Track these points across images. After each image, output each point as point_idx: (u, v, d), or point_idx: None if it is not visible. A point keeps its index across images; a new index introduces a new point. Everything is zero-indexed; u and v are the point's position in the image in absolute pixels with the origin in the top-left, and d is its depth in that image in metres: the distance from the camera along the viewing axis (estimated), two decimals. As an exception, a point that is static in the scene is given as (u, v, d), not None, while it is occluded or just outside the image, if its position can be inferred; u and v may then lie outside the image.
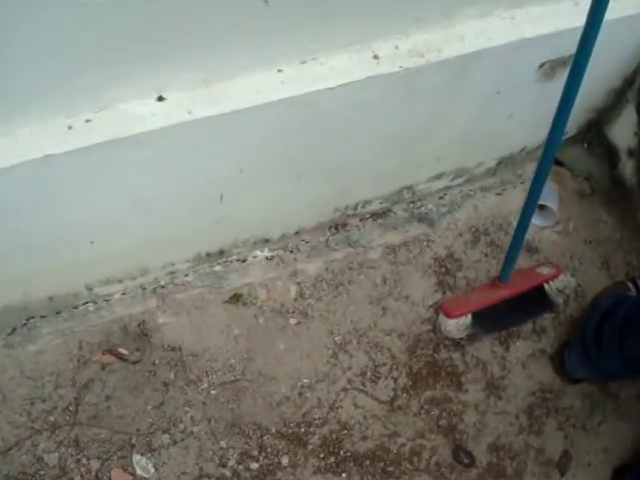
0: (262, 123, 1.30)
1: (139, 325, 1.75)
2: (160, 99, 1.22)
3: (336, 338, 1.77)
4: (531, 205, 1.51)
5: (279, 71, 1.27)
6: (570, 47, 1.18)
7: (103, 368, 1.71)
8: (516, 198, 1.98)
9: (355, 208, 1.79)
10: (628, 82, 1.75)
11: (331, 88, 1.27)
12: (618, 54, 1.63)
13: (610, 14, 1.42)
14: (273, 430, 1.67)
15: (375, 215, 1.88)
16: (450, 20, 1.36)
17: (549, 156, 1.37)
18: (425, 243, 1.91)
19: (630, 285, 1.84)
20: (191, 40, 1.12)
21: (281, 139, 1.36)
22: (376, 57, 1.31)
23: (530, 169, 1.97)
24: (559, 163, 2.06)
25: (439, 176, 1.82)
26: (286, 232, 1.77)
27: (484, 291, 1.79)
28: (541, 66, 1.52)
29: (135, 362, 1.72)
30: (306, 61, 1.29)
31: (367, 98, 1.34)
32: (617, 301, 1.71)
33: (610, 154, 1.91)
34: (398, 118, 1.46)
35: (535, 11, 1.43)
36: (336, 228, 1.85)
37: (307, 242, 1.84)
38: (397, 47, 1.33)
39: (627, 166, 1.86)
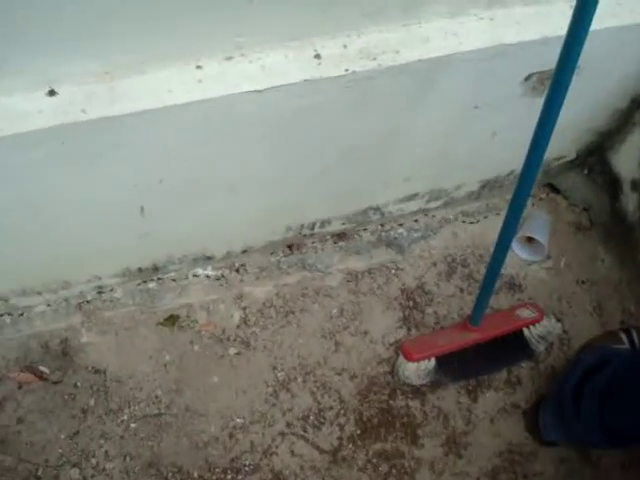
0: (174, 128, 1.08)
1: (61, 342, 1.56)
2: (51, 93, 1.02)
3: (279, 374, 1.55)
4: (506, 238, 1.29)
5: (198, 67, 1.06)
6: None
7: (20, 387, 1.53)
8: (502, 226, 1.74)
9: (312, 228, 1.57)
10: (636, 103, 1.51)
11: (259, 91, 1.06)
12: (623, 69, 1.38)
13: (612, 21, 1.20)
14: (195, 474, 1.46)
15: (336, 237, 1.66)
16: (413, 17, 1.14)
17: (526, 183, 1.14)
18: (392, 271, 1.68)
19: (623, 336, 1.60)
20: (91, 23, 0.91)
21: (202, 147, 1.15)
22: (318, 57, 1.09)
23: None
24: (555, 190, 1.82)
25: (411, 197, 1.60)
26: (231, 250, 1.56)
27: (453, 332, 1.57)
28: (527, 78, 1.29)
29: (56, 382, 1.53)
30: (232, 57, 1.07)
31: (304, 104, 1.12)
32: (603, 357, 1.47)
33: (612, 184, 1.67)
34: (348, 130, 1.24)
35: (521, 12, 1.20)
36: (290, 249, 1.63)
37: (256, 262, 1.62)
38: (345, 46, 1.11)
39: (630, 199, 1.61)
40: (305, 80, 1.07)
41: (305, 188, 1.39)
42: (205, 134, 1.12)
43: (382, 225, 1.68)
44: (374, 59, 1.10)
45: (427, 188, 1.58)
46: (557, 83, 0.98)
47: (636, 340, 1.59)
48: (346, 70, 1.09)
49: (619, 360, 1.40)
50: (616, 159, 1.64)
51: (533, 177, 1.12)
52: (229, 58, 1.07)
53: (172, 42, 1.01)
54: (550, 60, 1.22)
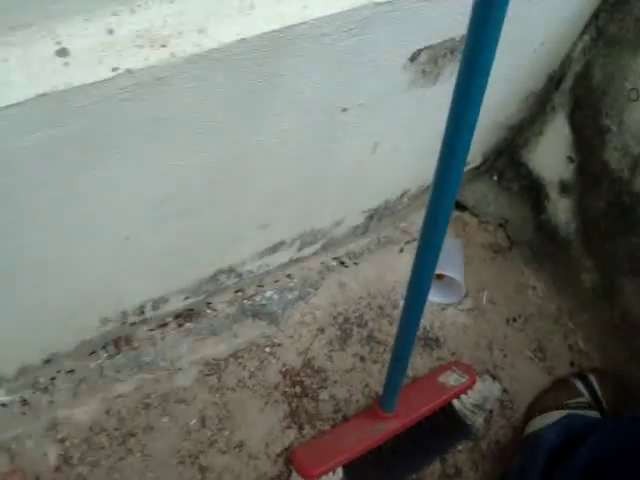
0: None
1: None
2: None
3: (122, 532, 1.06)
4: (422, 288, 0.87)
5: None
6: (465, 21, 0.53)
7: None
8: (403, 264, 1.33)
9: (141, 312, 1.09)
10: (554, 81, 1.13)
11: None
12: (541, 33, 1.00)
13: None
14: None
15: (180, 318, 1.19)
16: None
17: (444, 207, 0.73)
18: (267, 350, 1.23)
19: (579, 385, 1.22)
20: None
21: None
22: (64, 52, 0.63)
23: (419, 220, 1.32)
24: (461, 206, 1.42)
25: (275, 248, 1.15)
26: (27, 363, 1.06)
27: (361, 425, 1.13)
28: (413, 58, 0.87)
29: None
30: None
31: (48, 139, 0.65)
32: (571, 432, 1.07)
33: (532, 190, 1.29)
34: (147, 171, 0.78)
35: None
36: (115, 346, 1.14)
37: (70, 373, 1.13)
38: (111, 31, 0.65)
39: (560, 207, 1.24)
40: (40, 95, 0.60)
41: (108, 263, 0.92)
42: None
43: (242, 291, 1.22)
44: (163, 46, 0.65)
45: (295, 232, 1.14)
46: (477, 53, 0.56)
47: (596, 386, 1.21)
48: (115, 69, 0.63)
49: (594, 438, 1.01)
50: (534, 157, 1.26)
51: (453, 194, 0.71)
52: None
53: None
54: (447, 27, 0.82)
